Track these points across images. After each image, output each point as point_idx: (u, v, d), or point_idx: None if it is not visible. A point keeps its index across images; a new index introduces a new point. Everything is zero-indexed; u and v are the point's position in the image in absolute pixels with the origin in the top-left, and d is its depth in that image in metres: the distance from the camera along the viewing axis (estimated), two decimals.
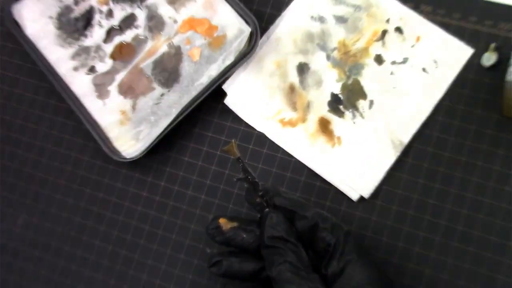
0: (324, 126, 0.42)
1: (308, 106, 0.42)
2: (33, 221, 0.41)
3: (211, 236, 0.35)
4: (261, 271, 0.33)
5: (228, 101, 0.44)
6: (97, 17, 0.43)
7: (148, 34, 0.42)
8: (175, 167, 0.43)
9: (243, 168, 0.34)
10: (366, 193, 0.40)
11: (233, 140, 0.34)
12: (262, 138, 0.43)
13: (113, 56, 0.44)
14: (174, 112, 0.42)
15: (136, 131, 0.42)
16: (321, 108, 0.42)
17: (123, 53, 0.43)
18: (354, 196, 0.40)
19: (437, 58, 0.39)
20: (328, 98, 0.42)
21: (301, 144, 0.42)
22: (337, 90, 0.42)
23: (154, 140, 0.42)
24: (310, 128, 0.42)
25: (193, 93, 0.42)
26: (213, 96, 0.43)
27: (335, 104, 0.42)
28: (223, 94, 0.43)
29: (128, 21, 0.43)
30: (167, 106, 0.43)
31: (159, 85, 0.43)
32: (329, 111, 0.42)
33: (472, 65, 0.39)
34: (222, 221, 0.35)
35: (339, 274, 0.31)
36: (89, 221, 0.42)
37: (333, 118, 0.42)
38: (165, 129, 0.42)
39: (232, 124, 0.43)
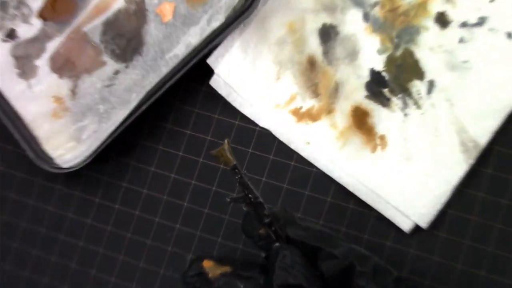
0: (360, 119, 0.42)
1: (336, 90, 0.42)
2: None
3: (191, 287, 0.34)
4: None
5: (215, 82, 0.44)
6: None
7: None
8: (136, 181, 0.44)
9: (240, 182, 0.34)
10: (424, 221, 0.39)
11: (225, 141, 0.34)
12: (267, 138, 0.43)
13: (42, 14, 0.44)
14: (134, 99, 0.43)
15: (78, 128, 0.43)
16: (355, 93, 0.42)
17: (57, 10, 0.43)
18: (406, 225, 0.40)
19: None
20: (366, 77, 0.42)
21: (326, 146, 0.42)
22: (379, 65, 0.42)
23: (105, 141, 0.42)
24: (339, 122, 0.42)
25: (164, 70, 0.43)
26: (194, 75, 0.43)
27: (377, 86, 0.42)
28: (209, 72, 0.44)
29: None
30: (124, 89, 0.43)
31: (112, 57, 0.44)
32: (367, 97, 0.42)
33: None
34: (207, 264, 0.34)
35: None
36: (5, 263, 0.42)
37: (373, 107, 0.42)
38: (121, 124, 0.42)
39: (222, 116, 0.44)
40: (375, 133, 0.42)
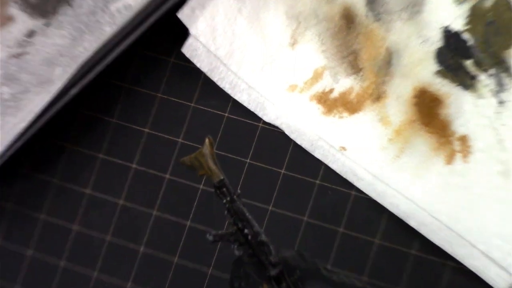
0: (428, 111, 0.42)
1: (388, 62, 0.42)
2: None
3: None
4: None
5: (191, 49, 0.44)
6: None
7: None
8: (60, 211, 0.46)
9: (230, 209, 0.35)
10: None
11: (205, 141, 0.35)
12: (275, 140, 0.44)
13: None
14: (59, 77, 0.43)
15: None
16: (419, 67, 0.42)
17: None
18: (502, 283, 0.40)
19: None
20: (438, 42, 0.42)
21: (372, 154, 0.42)
22: (458, 22, 0.42)
23: (11, 146, 0.43)
24: (392, 115, 0.42)
25: (107, 29, 0.43)
26: (157, 39, 0.45)
27: (455, 56, 0.42)
28: (181, 34, 0.44)
29: None
30: (42, 62, 0.44)
31: (23, 9, 0.44)
32: (439, 73, 0.42)
33: None
34: None
35: None
36: None
37: (449, 91, 0.42)
38: (38, 118, 0.42)
39: (200, 105, 0.45)
40: (452, 132, 0.41)
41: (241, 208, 0.35)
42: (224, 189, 0.35)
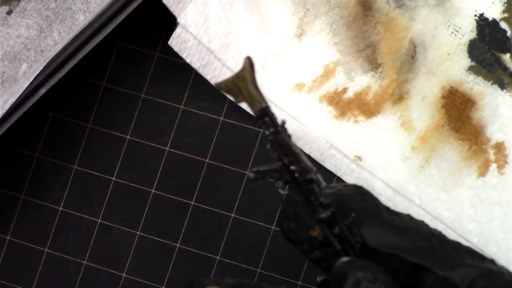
0: (459, 114, 0.41)
1: (411, 57, 0.41)
2: None
3: None
4: None
5: (180, 42, 0.43)
6: None
7: None
8: (28, 231, 0.43)
9: (275, 141, 0.34)
10: None
11: (245, 61, 0.33)
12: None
13: None
14: (25, 76, 0.42)
15: None
16: (448, 63, 0.41)
17: None
18: None
19: None
20: (470, 33, 0.41)
21: (393, 165, 0.41)
22: (494, 10, 0.41)
23: None
24: (417, 119, 0.41)
25: (79, 17, 0.42)
26: (139, 29, 0.43)
27: (491, 50, 0.40)
28: (167, 24, 0.44)
29: None
30: (3, 57, 0.42)
31: None
32: (472, 69, 0.41)
33: None
34: None
35: None
36: None
37: (483, 91, 0.41)
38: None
39: (191, 107, 0.44)
40: (487, 139, 0.41)
41: (286, 141, 0.33)
42: (267, 118, 0.33)
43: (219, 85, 0.35)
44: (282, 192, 0.35)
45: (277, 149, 0.34)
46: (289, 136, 0.34)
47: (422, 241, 0.34)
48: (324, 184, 0.34)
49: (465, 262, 0.33)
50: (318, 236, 0.34)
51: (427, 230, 0.35)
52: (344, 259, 0.33)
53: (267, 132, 0.34)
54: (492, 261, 0.34)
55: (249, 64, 0.34)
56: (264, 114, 0.33)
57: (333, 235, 0.34)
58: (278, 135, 0.34)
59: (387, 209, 0.35)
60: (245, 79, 0.34)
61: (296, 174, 0.34)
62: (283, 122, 0.34)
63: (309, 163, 0.34)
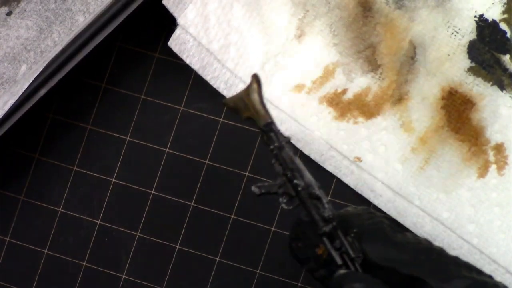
0: (459, 115, 0.41)
1: (411, 58, 0.41)
2: None
3: None
4: None
5: (180, 43, 0.43)
6: None
7: None
8: (28, 235, 0.44)
9: (278, 155, 0.35)
10: None
11: (252, 78, 0.35)
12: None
13: None
14: (25, 77, 0.42)
15: None
16: (448, 64, 0.41)
17: None
18: None
19: None
20: (470, 33, 0.41)
21: (392, 166, 0.41)
22: (493, 11, 0.41)
23: None
24: (416, 120, 0.41)
25: (79, 18, 0.42)
26: (138, 30, 0.44)
27: (490, 50, 0.41)
28: (167, 25, 0.43)
29: None
30: (3, 58, 0.43)
31: None
32: (472, 70, 0.41)
33: None
34: None
35: None
36: None
37: (483, 91, 0.41)
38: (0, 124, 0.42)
39: (191, 108, 0.44)
40: (486, 140, 0.41)
41: (290, 156, 0.35)
42: (272, 134, 0.35)
43: (226, 102, 0.36)
44: (285, 207, 0.35)
45: (282, 164, 0.35)
46: (294, 152, 0.34)
47: (421, 255, 0.34)
48: (327, 199, 0.34)
49: (461, 275, 0.34)
50: (323, 254, 0.35)
51: (427, 245, 0.36)
52: (342, 271, 0.34)
53: (271, 147, 0.34)
54: (489, 276, 0.34)
55: (256, 81, 0.35)
56: (270, 129, 0.34)
57: (334, 249, 0.35)
58: (283, 150, 0.34)
59: (391, 226, 0.36)
60: (252, 96, 0.35)
61: (299, 189, 0.35)
62: (289, 138, 0.34)
63: (312, 178, 0.34)
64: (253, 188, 0.36)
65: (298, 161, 0.35)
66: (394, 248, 0.35)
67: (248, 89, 0.35)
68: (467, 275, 0.34)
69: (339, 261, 0.35)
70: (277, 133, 0.35)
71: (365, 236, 0.36)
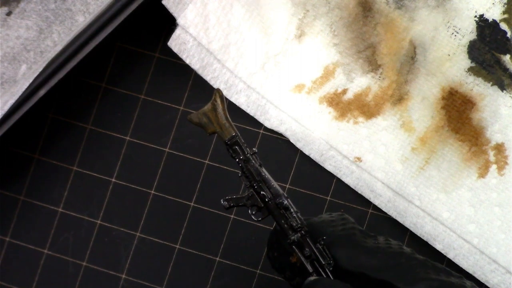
0: (459, 115, 0.41)
1: (411, 58, 0.41)
2: None
3: None
4: None
5: (179, 43, 0.43)
6: None
7: None
8: (28, 235, 0.44)
9: (244, 168, 0.35)
10: None
11: (215, 92, 0.35)
12: (278, 149, 0.43)
13: None
14: (25, 76, 0.42)
15: None
16: (448, 64, 0.41)
17: None
18: None
19: None
20: (470, 33, 0.41)
21: (392, 166, 0.41)
22: (494, 11, 0.41)
23: None
24: (417, 120, 0.41)
25: (79, 18, 0.42)
26: (138, 30, 0.44)
27: (491, 51, 0.41)
28: (166, 24, 0.43)
29: None
30: (3, 58, 0.43)
31: None
32: (472, 71, 0.41)
33: None
34: None
35: None
36: None
37: (483, 92, 0.41)
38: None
39: (192, 108, 0.43)
40: (487, 140, 0.41)
41: (256, 168, 0.35)
42: (237, 147, 0.35)
43: (190, 118, 0.36)
44: (255, 219, 0.36)
45: (248, 176, 0.35)
46: (260, 164, 0.35)
47: (390, 260, 0.35)
48: (295, 209, 0.35)
49: (428, 277, 0.34)
50: (297, 262, 0.35)
51: (397, 249, 0.36)
52: (312, 278, 0.34)
53: (237, 160, 0.35)
54: (460, 277, 0.34)
55: (219, 95, 0.35)
56: (234, 142, 0.35)
57: (305, 256, 0.35)
58: (249, 163, 0.35)
59: (362, 232, 0.36)
60: (215, 110, 0.35)
61: (267, 199, 0.35)
62: (254, 151, 0.35)
63: (279, 189, 0.35)
64: (222, 201, 0.36)
65: (264, 172, 0.35)
66: (364, 254, 0.35)
67: (212, 104, 0.35)
68: (434, 277, 0.34)
69: (309, 268, 0.35)
70: (242, 145, 0.35)
71: (335, 243, 0.36)
